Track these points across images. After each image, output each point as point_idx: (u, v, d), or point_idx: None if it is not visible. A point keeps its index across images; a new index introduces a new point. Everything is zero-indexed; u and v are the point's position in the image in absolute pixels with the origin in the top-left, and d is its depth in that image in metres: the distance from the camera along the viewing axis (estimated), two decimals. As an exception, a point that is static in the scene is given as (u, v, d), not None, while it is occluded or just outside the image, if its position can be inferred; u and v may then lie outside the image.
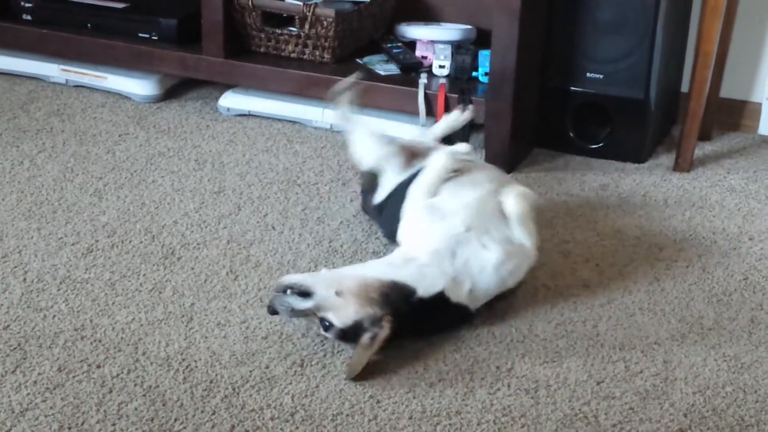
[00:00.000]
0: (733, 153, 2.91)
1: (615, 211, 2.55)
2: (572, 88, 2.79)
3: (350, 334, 1.90)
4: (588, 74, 2.77)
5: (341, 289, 1.90)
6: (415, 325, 1.95)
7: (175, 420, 1.76)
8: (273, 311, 1.95)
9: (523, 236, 2.06)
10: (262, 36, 2.96)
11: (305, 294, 1.91)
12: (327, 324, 1.91)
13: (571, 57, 2.77)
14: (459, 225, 2.03)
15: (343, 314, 1.89)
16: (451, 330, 2.01)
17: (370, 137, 2.38)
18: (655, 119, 2.82)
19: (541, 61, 2.80)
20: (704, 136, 2.92)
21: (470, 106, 2.56)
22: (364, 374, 1.87)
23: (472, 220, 2.04)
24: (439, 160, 2.15)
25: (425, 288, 1.94)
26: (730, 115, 3.04)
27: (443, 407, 1.82)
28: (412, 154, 2.31)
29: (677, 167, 2.77)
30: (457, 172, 2.16)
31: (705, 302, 2.17)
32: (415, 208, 2.12)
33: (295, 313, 1.93)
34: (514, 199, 2.05)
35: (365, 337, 1.88)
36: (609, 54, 2.74)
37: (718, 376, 1.92)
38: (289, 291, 1.92)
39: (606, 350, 1.99)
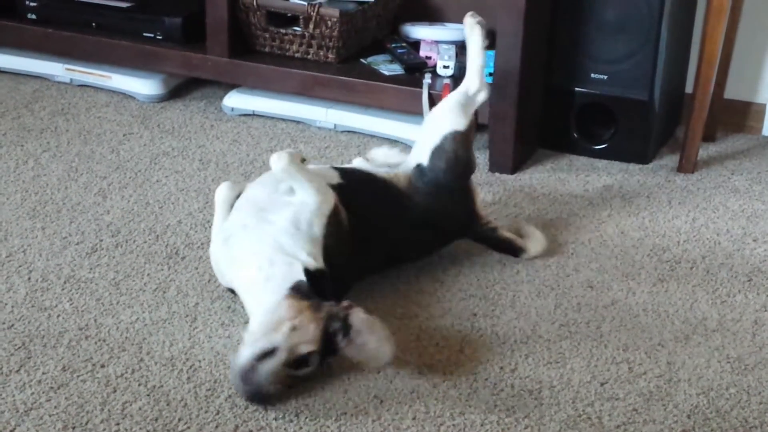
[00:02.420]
0: (737, 154, 2.90)
1: (619, 212, 2.55)
2: (576, 88, 2.79)
3: (328, 348, 1.80)
4: (592, 75, 2.77)
5: (291, 323, 1.78)
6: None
7: (179, 420, 1.76)
8: (262, 398, 1.77)
9: (300, 188, 1.97)
10: (267, 36, 2.96)
11: (268, 354, 1.75)
12: (305, 358, 1.78)
13: (575, 57, 2.77)
14: (239, 227, 1.97)
15: (310, 335, 1.78)
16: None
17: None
18: (659, 120, 2.82)
19: (545, 62, 2.80)
20: (708, 137, 2.92)
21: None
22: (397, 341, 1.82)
23: (246, 215, 1.99)
24: (219, 191, 2.11)
25: (300, 275, 1.88)
26: (735, 116, 3.04)
27: (447, 408, 1.82)
28: None
29: (681, 168, 2.77)
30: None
31: (709, 304, 2.17)
32: (212, 248, 2.07)
33: (277, 376, 1.76)
34: (273, 162, 1.96)
35: (340, 335, 1.79)
36: (613, 55, 2.74)
37: (722, 378, 1.92)
38: (256, 364, 1.74)
39: (610, 351, 1.99)
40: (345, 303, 1.84)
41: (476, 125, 2.30)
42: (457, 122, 2.22)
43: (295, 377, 1.79)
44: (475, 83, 2.26)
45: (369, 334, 1.80)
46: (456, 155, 2.20)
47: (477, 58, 2.29)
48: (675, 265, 2.31)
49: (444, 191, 2.20)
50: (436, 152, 2.20)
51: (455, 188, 2.22)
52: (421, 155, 2.22)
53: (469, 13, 2.34)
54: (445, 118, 2.23)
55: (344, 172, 2.14)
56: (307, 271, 1.89)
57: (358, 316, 1.80)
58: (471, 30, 2.32)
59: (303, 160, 2.04)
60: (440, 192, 2.20)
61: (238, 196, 2.09)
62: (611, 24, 2.72)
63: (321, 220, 1.97)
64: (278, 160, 1.97)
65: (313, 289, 1.87)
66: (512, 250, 2.29)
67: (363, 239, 2.06)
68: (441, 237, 2.25)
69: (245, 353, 1.76)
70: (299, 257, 1.91)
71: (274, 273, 1.89)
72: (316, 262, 1.92)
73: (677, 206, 2.59)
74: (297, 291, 1.85)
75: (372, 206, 2.12)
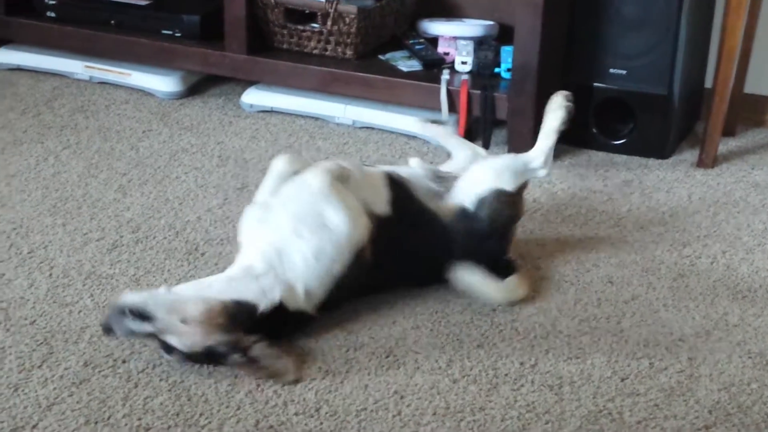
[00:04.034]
0: (757, 149, 2.89)
1: (638, 207, 2.54)
2: (595, 83, 2.78)
3: (200, 358, 1.85)
4: (611, 70, 2.76)
5: (186, 317, 1.83)
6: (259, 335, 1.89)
7: (201, 415, 1.77)
8: (109, 330, 1.85)
9: (333, 214, 1.94)
10: (285, 32, 2.96)
11: (144, 317, 1.82)
12: (169, 347, 1.85)
13: (594, 52, 2.76)
14: (274, 223, 1.96)
15: (190, 341, 1.83)
16: (290, 335, 1.96)
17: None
18: (678, 115, 2.81)
19: (564, 57, 2.80)
20: (728, 131, 2.90)
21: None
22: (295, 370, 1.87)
23: (286, 217, 1.96)
24: (276, 162, 2.05)
25: (266, 303, 1.89)
26: (755, 110, 3.02)
27: (467, 403, 1.82)
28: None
29: (701, 163, 2.76)
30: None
31: (730, 299, 2.16)
32: (247, 209, 2.04)
33: (135, 335, 1.86)
34: (309, 174, 1.95)
35: (234, 358, 1.83)
36: (632, 49, 2.73)
37: (744, 373, 1.92)
38: (128, 312, 1.83)
39: (630, 347, 1.99)
40: (252, 350, 1.84)
41: (522, 198, 2.23)
42: (506, 182, 2.15)
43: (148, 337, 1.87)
44: (539, 160, 2.19)
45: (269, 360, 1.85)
46: (498, 212, 2.13)
47: (549, 137, 2.22)
48: (695, 260, 2.30)
49: (483, 238, 2.14)
50: (481, 203, 2.13)
51: (494, 237, 2.15)
52: (466, 197, 2.13)
53: (562, 93, 2.29)
54: (496, 173, 2.15)
55: (394, 196, 2.06)
56: (280, 308, 1.90)
57: (263, 349, 1.85)
58: (555, 109, 2.26)
59: (347, 177, 1.99)
60: (479, 237, 2.13)
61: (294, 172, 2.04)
62: (630, 19, 2.71)
63: (345, 256, 1.95)
64: (315, 178, 1.94)
65: (270, 324, 1.88)
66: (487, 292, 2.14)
67: (380, 271, 2.04)
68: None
69: (133, 297, 1.84)
70: (294, 289, 1.91)
71: (246, 280, 1.90)
72: (294, 305, 1.91)
73: (697, 201, 2.58)
74: (231, 310, 1.86)
75: (408, 242, 2.07)
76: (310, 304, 1.95)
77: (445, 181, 2.18)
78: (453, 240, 2.12)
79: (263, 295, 1.90)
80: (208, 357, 1.85)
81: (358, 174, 2.04)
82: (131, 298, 1.85)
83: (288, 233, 1.95)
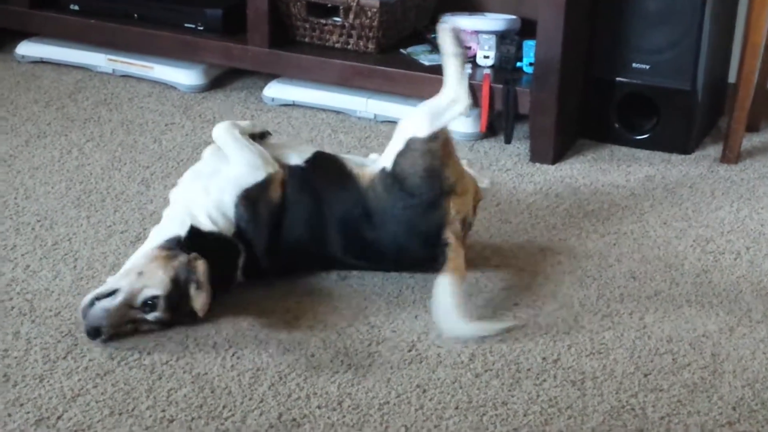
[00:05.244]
0: (781, 144, 2.88)
1: (661, 202, 2.53)
2: (618, 78, 2.77)
3: (175, 297, 1.92)
4: (634, 64, 2.75)
5: (139, 269, 1.93)
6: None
7: (224, 407, 1.78)
8: (94, 331, 1.89)
9: (230, 158, 2.09)
10: (307, 26, 2.96)
11: (111, 294, 1.91)
12: (150, 301, 1.91)
13: (617, 47, 2.75)
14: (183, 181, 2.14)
15: (157, 282, 1.91)
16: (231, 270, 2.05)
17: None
18: (701, 110, 2.79)
19: (587, 51, 2.79)
20: (752, 127, 2.89)
21: None
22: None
23: (191, 172, 2.14)
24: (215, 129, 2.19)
25: (184, 229, 2.01)
26: (779, 106, 3.00)
27: (489, 398, 1.82)
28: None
29: (724, 158, 2.75)
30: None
31: (753, 295, 2.15)
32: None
33: (113, 315, 1.89)
34: (213, 131, 2.15)
35: (192, 288, 1.92)
36: (655, 44, 2.72)
37: (767, 370, 1.91)
38: (95, 301, 1.90)
39: (653, 342, 1.98)
40: (192, 255, 1.95)
41: (447, 138, 2.09)
42: (419, 129, 2.05)
43: (144, 320, 1.93)
44: (448, 94, 2.09)
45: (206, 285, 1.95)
46: (415, 163, 2.03)
47: (455, 76, 2.09)
48: (719, 256, 2.29)
49: (401, 199, 2.04)
50: (399, 157, 2.06)
51: (417, 200, 2.04)
52: (387, 158, 2.08)
53: (447, 32, 2.12)
54: (409, 123, 2.08)
55: (317, 155, 2.14)
56: (196, 231, 2.01)
57: (202, 267, 1.94)
58: (450, 54, 2.10)
59: (263, 135, 2.17)
60: (397, 198, 2.05)
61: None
62: (653, 13, 2.70)
63: (236, 190, 2.05)
64: (215, 129, 2.14)
65: (195, 248, 1.97)
66: None
67: (294, 225, 2.08)
68: (390, 248, 2.07)
69: (91, 293, 1.93)
70: (197, 218, 2.03)
71: (165, 226, 2.04)
72: (213, 226, 2.03)
73: (720, 197, 2.56)
74: (164, 246, 1.98)
75: (323, 194, 2.09)
76: (219, 227, 2.03)
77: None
78: (372, 205, 2.06)
79: (180, 226, 2.01)
80: (179, 291, 1.92)
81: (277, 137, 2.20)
82: (88, 294, 1.93)
83: (190, 179, 2.11)
